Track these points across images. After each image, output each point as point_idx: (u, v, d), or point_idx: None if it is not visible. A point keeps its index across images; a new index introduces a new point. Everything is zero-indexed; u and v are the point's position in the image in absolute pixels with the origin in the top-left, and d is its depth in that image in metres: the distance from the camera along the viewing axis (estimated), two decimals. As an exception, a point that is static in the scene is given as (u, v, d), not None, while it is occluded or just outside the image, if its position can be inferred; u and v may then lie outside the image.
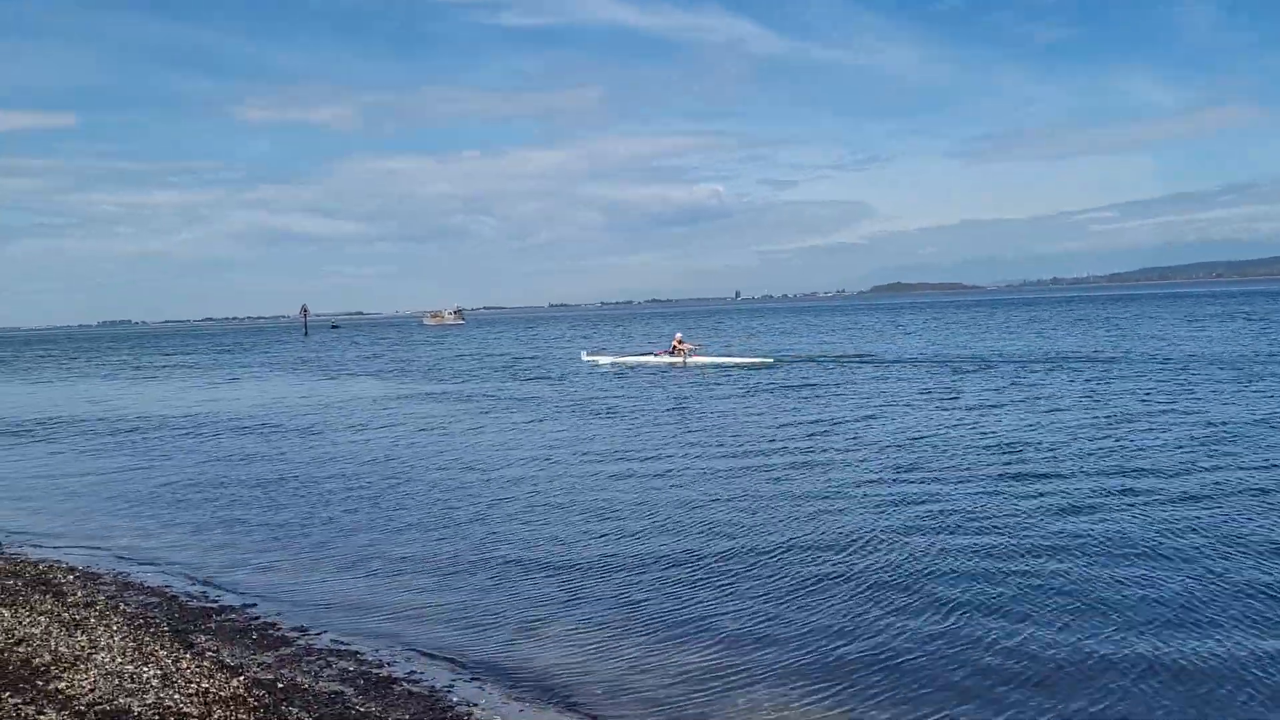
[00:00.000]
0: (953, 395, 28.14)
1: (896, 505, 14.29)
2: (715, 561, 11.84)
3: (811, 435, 21.38)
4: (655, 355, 48.49)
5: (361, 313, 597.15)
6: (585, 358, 52.69)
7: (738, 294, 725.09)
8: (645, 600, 10.56)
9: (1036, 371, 34.59)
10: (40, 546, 14.19)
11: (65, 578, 11.99)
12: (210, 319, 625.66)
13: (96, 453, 23.80)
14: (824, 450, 19.33)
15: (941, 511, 13.74)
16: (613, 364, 48.34)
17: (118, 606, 10.59)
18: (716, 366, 43.76)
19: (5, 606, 10.24)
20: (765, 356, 46.15)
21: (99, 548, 14.04)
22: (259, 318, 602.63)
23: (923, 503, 14.36)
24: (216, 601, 11.02)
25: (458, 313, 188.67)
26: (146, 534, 14.85)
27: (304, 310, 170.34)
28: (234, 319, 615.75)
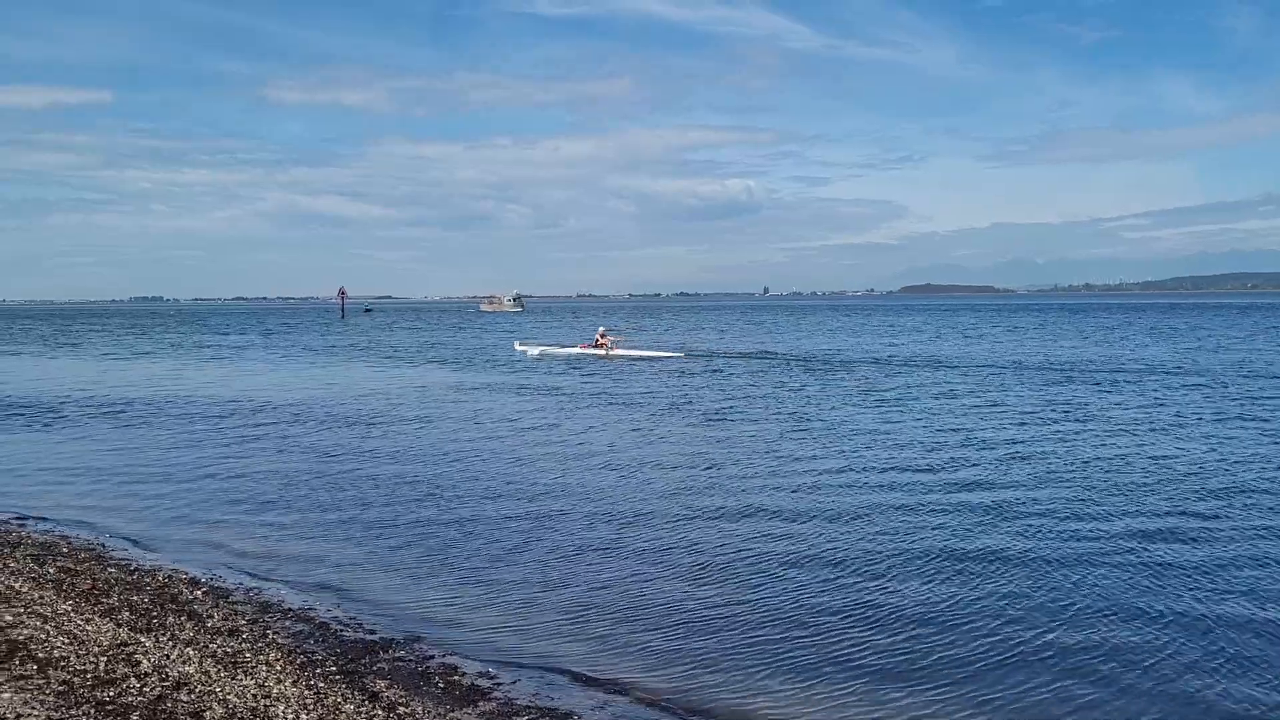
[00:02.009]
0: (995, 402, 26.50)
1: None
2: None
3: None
4: (580, 347, 50.53)
5: (391, 296, 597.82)
6: (518, 347, 54.63)
7: (766, 290, 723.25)
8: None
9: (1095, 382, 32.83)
10: (148, 550, 12.85)
11: (192, 593, 10.62)
12: (241, 298, 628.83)
13: (180, 440, 22.46)
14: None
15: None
16: (541, 354, 50.76)
17: (266, 635, 9.19)
18: (643, 359, 46.60)
19: (143, 633, 8.86)
20: (675, 351, 50.85)
21: (213, 553, 12.66)
22: (289, 298, 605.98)
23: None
24: (374, 632, 9.59)
25: (516, 299, 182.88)
26: (256, 537, 13.45)
27: (341, 292, 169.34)
28: (264, 299, 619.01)
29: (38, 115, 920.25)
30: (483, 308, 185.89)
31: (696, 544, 12.72)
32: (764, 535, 13.20)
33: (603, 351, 48.50)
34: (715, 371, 40.17)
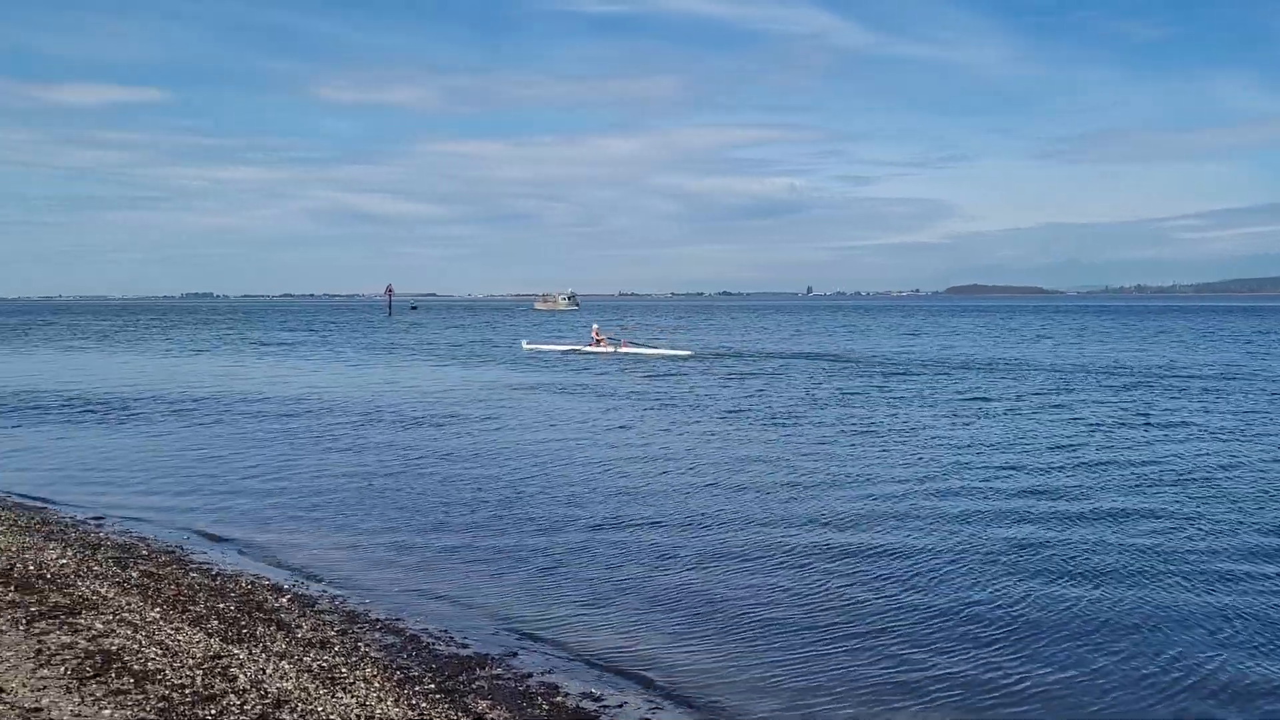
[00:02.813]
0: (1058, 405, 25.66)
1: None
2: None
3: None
4: (588, 347, 51.69)
5: (435, 294, 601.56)
6: (526, 346, 56.14)
7: (809, 290, 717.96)
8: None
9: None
10: (226, 553, 12.67)
11: (277, 600, 10.37)
12: (289, 294, 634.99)
13: (251, 439, 22.38)
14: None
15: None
16: (563, 352, 51.85)
17: (359, 648, 8.89)
18: (653, 356, 48.03)
19: (235, 643, 8.59)
20: (685, 349, 51.32)
21: (292, 557, 12.43)
22: (334, 295, 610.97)
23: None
24: (466, 645, 9.25)
25: (571, 298, 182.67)
26: (334, 541, 13.20)
27: (389, 290, 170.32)
28: (311, 295, 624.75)
29: (92, 113, 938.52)
30: (537, 306, 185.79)
31: (810, 560, 12.20)
32: (876, 551, 12.71)
33: (611, 348, 49.91)
34: (774, 374, 39.60)
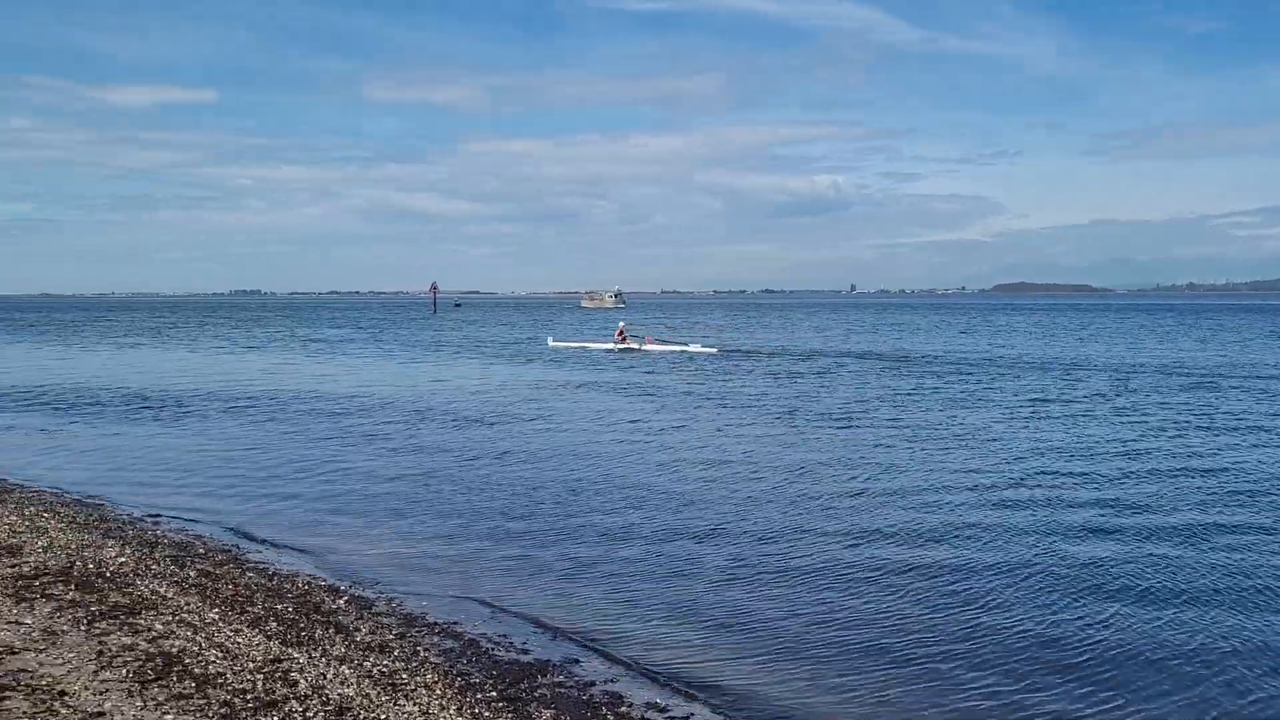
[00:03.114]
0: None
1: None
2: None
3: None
4: (611, 344, 52.91)
5: (478, 292, 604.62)
6: (551, 343, 58.33)
7: (853, 287, 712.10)
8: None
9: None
10: (281, 552, 12.62)
11: (334, 602, 10.27)
12: (335, 292, 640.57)
13: (305, 437, 22.45)
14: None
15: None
16: (577, 348, 53.85)
17: (418, 653, 8.75)
18: (679, 353, 49.30)
19: (294, 646, 8.49)
20: (711, 346, 52.34)
21: (347, 558, 12.34)
22: (380, 292, 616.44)
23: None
24: (527, 651, 9.07)
25: (618, 295, 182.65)
26: (390, 541, 13.12)
27: (434, 287, 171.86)
28: (356, 293, 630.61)
29: (147, 114, 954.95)
30: (583, 304, 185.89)
31: (877, 576, 11.86)
32: (944, 567, 12.37)
33: (636, 345, 51.25)
34: (825, 373, 39.13)
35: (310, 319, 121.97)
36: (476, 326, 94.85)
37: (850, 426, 23.42)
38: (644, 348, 50.84)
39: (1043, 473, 17.41)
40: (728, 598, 10.73)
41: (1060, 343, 61.49)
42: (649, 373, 39.33)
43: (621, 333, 53.64)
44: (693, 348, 50.93)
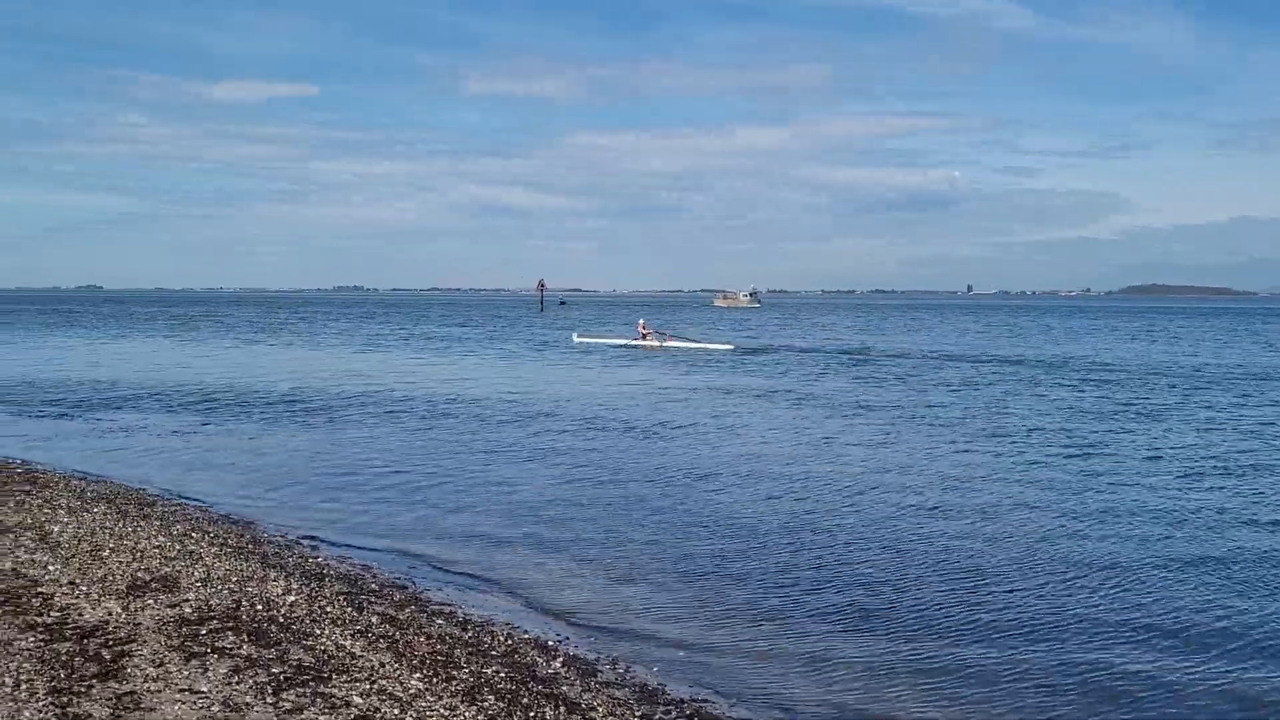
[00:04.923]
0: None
1: None
2: None
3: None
4: (635, 340, 54.40)
5: (579, 289, 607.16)
6: (576, 339, 59.74)
7: (970, 288, 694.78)
8: None
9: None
10: (462, 589, 11.09)
11: (549, 664, 8.58)
12: (436, 289, 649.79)
13: (458, 446, 20.94)
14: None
15: None
16: (607, 344, 55.23)
17: (677, 746, 7.00)
18: (696, 351, 50.57)
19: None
20: (726, 344, 53.91)
21: (540, 597, 10.78)
22: (479, 289, 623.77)
23: None
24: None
25: (753, 295, 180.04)
26: (583, 578, 11.52)
27: (541, 285, 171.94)
28: (458, 290, 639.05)
29: (250, 109, 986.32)
30: (716, 303, 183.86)
31: (1081, 630, 9.82)
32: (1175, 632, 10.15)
33: (657, 342, 53.06)
34: (969, 381, 36.51)
35: (422, 316, 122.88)
36: (594, 326, 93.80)
37: (1012, 440, 20.98)
38: (665, 345, 52.51)
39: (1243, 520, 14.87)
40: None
41: (1236, 349, 57.18)
42: (822, 378, 37.28)
43: (644, 328, 55.30)
44: (712, 346, 52.50)
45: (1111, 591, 10.90)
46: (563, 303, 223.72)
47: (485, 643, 9.01)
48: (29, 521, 12.31)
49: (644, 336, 54.09)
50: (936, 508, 14.89)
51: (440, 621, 9.60)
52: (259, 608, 9.26)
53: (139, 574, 10.11)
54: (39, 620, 8.38)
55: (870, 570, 11.69)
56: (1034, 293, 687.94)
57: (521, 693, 7.73)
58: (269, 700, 7.00)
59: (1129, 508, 14.89)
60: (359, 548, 12.76)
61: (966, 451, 20.02)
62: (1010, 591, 10.89)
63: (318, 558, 12.03)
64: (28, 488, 14.88)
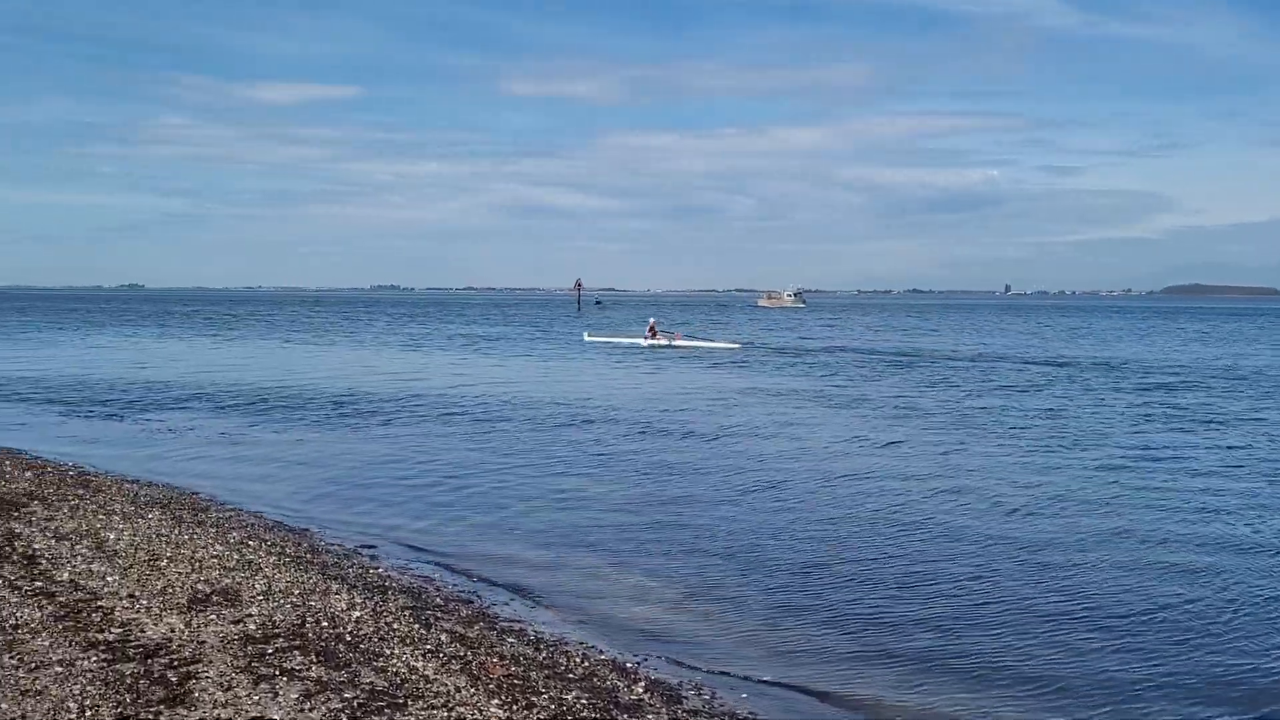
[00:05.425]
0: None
1: None
2: None
3: None
4: (643, 338, 55.36)
5: (614, 289, 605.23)
6: (587, 338, 61.88)
7: (1007, 288, 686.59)
8: None
9: None
10: (529, 602, 10.67)
11: (630, 690, 8.09)
12: (471, 288, 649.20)
13: (516, 451, 20.46)
14: None
15: None
16: (618, 343, 56.47)
17: (783, 787, 6.50)
18: (703, 349, 52.05)
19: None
20: (733, 343, 55.28)
21: (610, 612, 10.35)
22: (514, 289, 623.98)
23: None
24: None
25: (797, 295, 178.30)
26: (654, 594, 11.07)
27: (578, 285, 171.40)
28: (492, 289, 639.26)
29: (291, 110, 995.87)
30: (760, 303, 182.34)
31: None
32: None
33: (665, 341, 53.99)
34: (1026, 384, 35.64)
35: (459, 316, 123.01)
36: (638, 325, 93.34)
37: (1083, 448, 20.23)
38: (674, 344, 53.71)
39: None
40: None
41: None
42: (842, 376, 36.61)
43: (653, 328, 56.24)
44: (720, 345, 53.98)
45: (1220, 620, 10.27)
46: (598, 303, 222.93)
47: (561, 664, 8.56)
48: (84, 528, 12.05)
49: (652, 335, 54.96)
50: (1023, 514, 14.28)
51: (511, 640, 9.17)
52: (324, 624, 8.87)
53: (199, 586, 9.78)
54: (100, 638, 8.04)
55: (959, 595, 11.12)
56: (1073, 293, 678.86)
57: (608, 723, 7.27)
58: (346, 730, 6.60)
59: (1222, 520, 14.20)
60: (419, 558, 12.37)
61: (1042, 459, 19.33)
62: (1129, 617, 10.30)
63: (378, 568, 11.65)
64: (81, 491, 14.66)
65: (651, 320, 60.29)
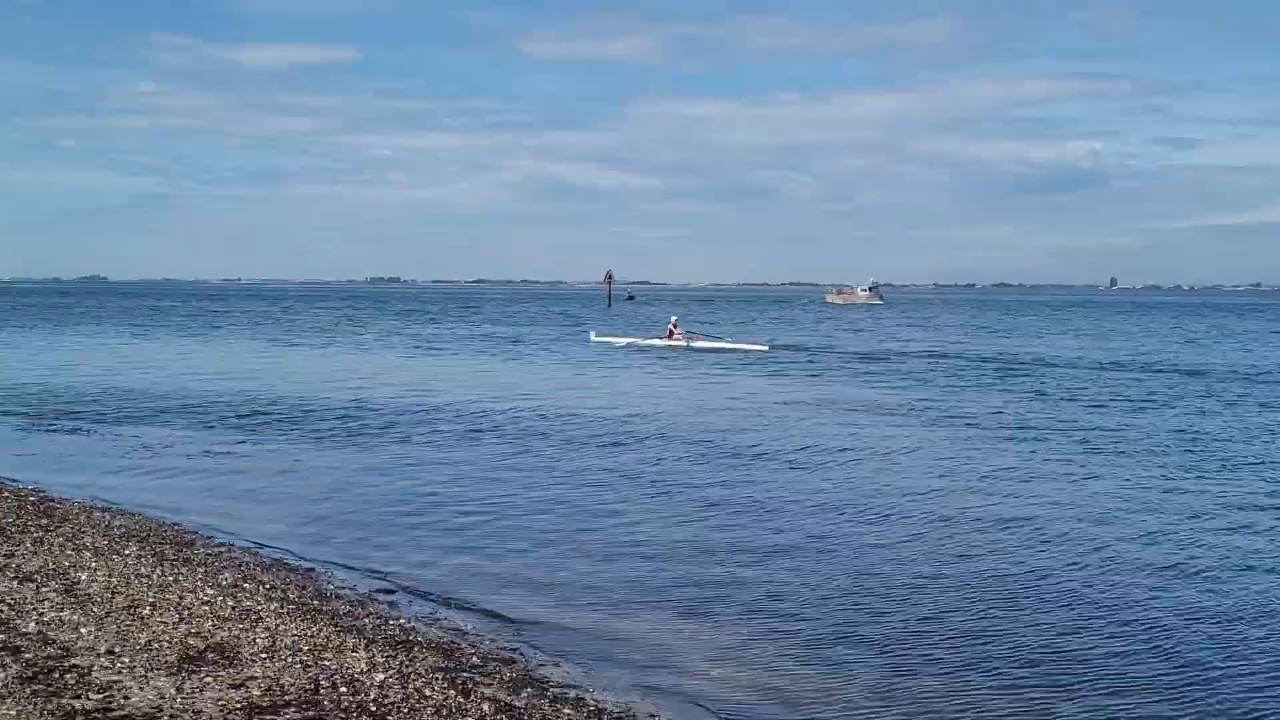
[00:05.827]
0: None
1: None
2: None
3: None
4: (661, 339, 58.21)
5: (648, 282, 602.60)
6: (594, 338, 63.59)
7: (1113, 282, 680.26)
8: None
9: None
10: (580, 663, 10.28)
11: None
12: (483, 280, 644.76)
13: (544, 470, 20.28)
14: None
15: None
16: (628, 344, 58.61)
17: None
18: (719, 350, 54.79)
19: None
20: (762, 344, 57.81)
21: (680, 682, 9.93)
22: (534, 282, 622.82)
23: None
24: None
25: (874, 289, 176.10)
26: (703, 644, 10.68)
27: (608, 277, 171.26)
28: (509, 282, 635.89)
29: (278, 76, 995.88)
30: (829, 298, 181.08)
31: None
32: None
33: (683, 342, 56.54)
34: (1148, 397, 34.87)
35: (475, 313, 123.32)
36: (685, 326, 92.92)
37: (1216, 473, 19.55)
38: (693, 345, 56.23)
39: None
40: None
41: None
42: (930, 388, 36.02)
43: (675, 326, 58.87)
44: (747, 346, 56.25)
45: None
46: (630, 297, 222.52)
47: (636, 743, 8.15)
48: (51, 567, 11.83)
49: (671, 335, 57.62)
50: (1166, 564, 13.74)
51: (569, 712, 8.76)
52: (342, 689, 8.53)
53: (190, 640, 9.49)
54: (77, 705, 7.73)
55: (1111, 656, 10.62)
56: (1191, 287, 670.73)
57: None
58: (377, 830, 6.21)
59: None
60: (446, 606, 12.04)
61: (1177, 490, 18.71)
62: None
63: (399, 619, 11.32)
64: (45, 521, 14.50)
65: (673, 319, 61.97)
